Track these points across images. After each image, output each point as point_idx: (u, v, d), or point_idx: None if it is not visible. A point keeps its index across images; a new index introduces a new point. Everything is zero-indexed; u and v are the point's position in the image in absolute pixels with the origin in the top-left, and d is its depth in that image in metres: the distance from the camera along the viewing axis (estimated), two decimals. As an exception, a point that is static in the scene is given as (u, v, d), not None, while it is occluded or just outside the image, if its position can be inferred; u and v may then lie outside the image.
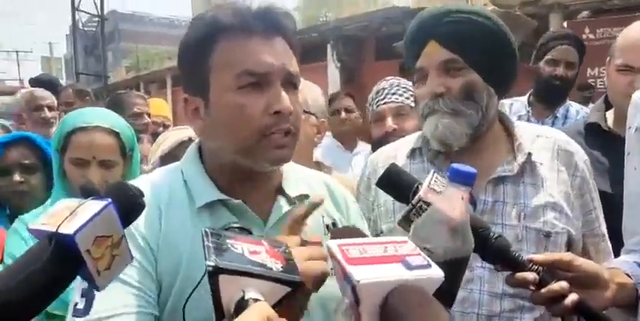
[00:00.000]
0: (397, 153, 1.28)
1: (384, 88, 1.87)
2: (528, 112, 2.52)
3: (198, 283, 0.67)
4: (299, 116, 0.93)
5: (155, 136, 2.59)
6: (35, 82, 4.21)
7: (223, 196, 0.93)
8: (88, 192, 0.68)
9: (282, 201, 0.97)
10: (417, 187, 0.89)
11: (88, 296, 0.85)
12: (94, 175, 1.48)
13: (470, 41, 1.12)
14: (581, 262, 0.93)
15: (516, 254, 0.89)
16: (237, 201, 0.92)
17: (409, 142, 1.28)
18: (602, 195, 1.24)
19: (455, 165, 0.75)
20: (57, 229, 0.62)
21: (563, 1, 6.21)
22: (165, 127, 3.30)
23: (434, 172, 0.90)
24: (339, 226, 1.04)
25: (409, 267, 0.59)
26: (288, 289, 0.64)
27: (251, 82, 0.88)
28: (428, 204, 0.84)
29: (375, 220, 1.25)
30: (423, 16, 1.17)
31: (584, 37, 5.52)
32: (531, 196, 1.13)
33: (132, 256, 0.71)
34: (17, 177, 1.64)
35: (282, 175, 1.00)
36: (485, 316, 1.08)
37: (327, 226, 1.02)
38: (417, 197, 0.85)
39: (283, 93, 0.88)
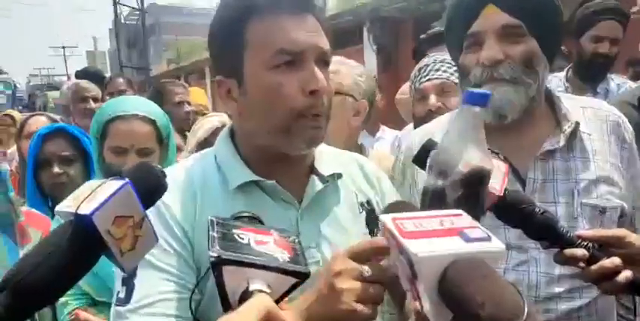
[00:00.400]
0: (434, 134, 1.21)
1: (426, 65, 1.76)
2: (567, 88, 2.40)
3: (206, 272, 0.66)
4: (331, 95, 0.93)
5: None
6: (81, 73, 4.37)
7: (256, 178, 0.94)
8: (110, 173, 0.68)
9: (315, 180, 0.98)
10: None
11: (129, 285, 0.87)
12: (133, 163, 1.52)
13: (531, 7, 1.05)
14: (634, 238, 0.88)
15: (564, 230, 0.85)
16: (270, 182, 0.93)
17: (448, 120, 1.23)
18: None
19: (470, 89, 0.73)
20: (76, 210, 0.62)
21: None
22: (204, 115, 3.37)
23: None
24: (373, 203, 1.03)
25: (468, 239, 0.57)
26: (295, 280, 0.62)
27: (286, 61, 0.88)
28: None
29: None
30: None
31: (635, 9, 5.20)
32: (583, 170, 1.08)
33: (157, 238, 0.70)
34: (56, 169, 1.69)
35: (314, 154, 1.01)
36: (542, 298, 1.05)
37: (362, 204, 1.02)
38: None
39: (317, 71, 0.88)
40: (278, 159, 0.94)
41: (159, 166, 0.74)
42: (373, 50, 8.15)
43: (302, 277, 0.62)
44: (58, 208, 0.66)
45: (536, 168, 1.09)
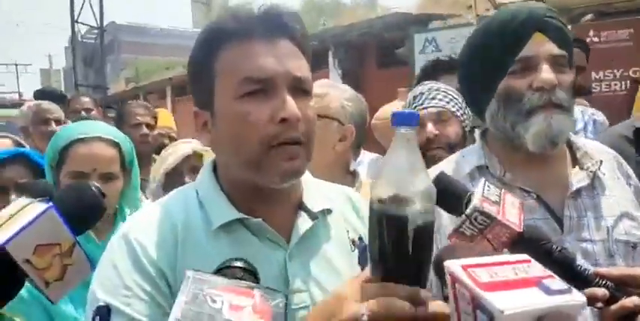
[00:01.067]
0: (460, 169, 1.18)
1: (422, 93, 1.75)
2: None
3: None
4: (311, 124, 0.86)
5: (161, 148, 2.52)
6: (41, 93, 4.16)
7: (241, 215, 0.85)
8: (38, 192, 0.62)
9: (304, 217, 0.91)
10: (470, 196, 0.81)
11: None
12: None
13: (570, 41, 1.10)
14: None
15: (582, 268, 0.82)
16: (255, 220, 0.86)
17: (469, 158, 1.19)
18: None
19: (395, 111, 0.67)
20: None
21: (568, 4, 6.14)
22: (171, 138, 3.24)
23: (485, 181, 0.83)
24: (366, 240, 0.94)
25: (549, 292, 0.54)
26: None
27: (254, 90, 0.83)
28: (484, 214, 0.76)
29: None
30: (524, 10, 1.10)
31: (588, 40, 5.45)
32: (608, 207, 1.08)
33: (91, 265, 0.64)
34: (13, 197, 1.55)
35: (302, 188, 0.95)
36: None
37: (353, 241, 0.96)
38: (471, 207, 0.77)
39: (289, 98, 0.82)
40: (259, 194, 0.88)
41: (95, 184, 0.66)
42: (338, 74, 8.22)
43: None
44: None
45: (570, 206, 1.08)
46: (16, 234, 0.57)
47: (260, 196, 0.88)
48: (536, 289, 0.54)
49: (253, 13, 0.85)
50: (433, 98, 1.72)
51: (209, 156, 1.91)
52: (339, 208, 0.98)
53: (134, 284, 0.77)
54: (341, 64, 8.18)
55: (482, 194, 0.79)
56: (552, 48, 1.07)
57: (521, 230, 0.79)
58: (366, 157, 2.84)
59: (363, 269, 0.91)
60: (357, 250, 0.96)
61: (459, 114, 1.73)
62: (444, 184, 0.85)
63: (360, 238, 0.97)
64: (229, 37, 0.84)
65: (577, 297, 0.54)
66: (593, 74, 5.72)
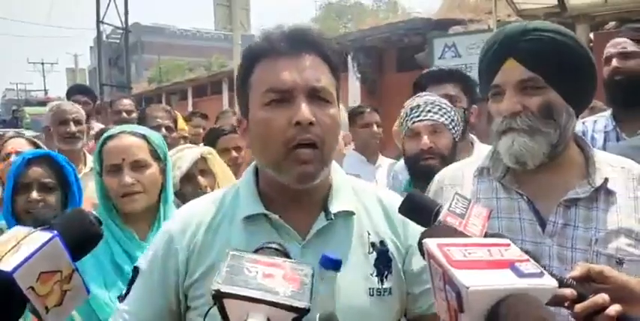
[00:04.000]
0: (464, 172, 1.29)
1: (418, 105, 1.88)
2: (615, 127, 2.14)
3: (212, 305, 0.66)
4: (328, 129, 0.95)
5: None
6: (75, 88, 4.40)
7: (264, 211, 0.98)
8: (39, 221, 0.65)
9: (322, 217, 1.00)
10: (438, 210, 0.87)
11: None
12: (128, 178, 1.49)
13: (550, 60, 1.10)
14: (615, 273, 0.90)
15: (546, 268, 0.84)
16: (274, 216, 0.98)
17: (476, 160, 1.29)
18: None
19: (325, 253, 0.76)
20: None
21: (590, 11, 6.09)
22: (185, 138, 3.41)
23: (455, 194, 0.89)
24: (389, 245, 1.02)
25: (520, 274, 0.55)
26: (294, 314, 0.63)
27: (275, 99, 0.94)
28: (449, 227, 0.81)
29: None
30: (501, 34, 1.16)
31: (611, 47, 5.39)
32: (604, 221, 1.11)
33: (88, 290, 0.68)
34: (35, 195, 1.62)
35: (328, 189, 1.03)
36: None
37: (373, 244, 1.01)
38: (437, 221, 0.84)
39: (304, 105, 0.93)
40: (286, 192, 0.99)
41: (93, 213, 0.69)
42: (357, 78, 8.24)
43: (301, 312, 0.62)
44: None
45: (558, 212, 1.13)
46: (23, 262, 0.58)
47: (287, 195, 0.99)
48: (508, 270, 0.55)
49: (281, 33, 0.98)
50: (429, 111, 1.86)
51: (213, 159, 1.97)
52: (366, 209, 1.05)
53: (151, 252, 1.03)
54: (360, 67, 8.21)
55: (448, 208, 0.85)
56: (520, 74, 1.11)
57: (483, 236, 0.82)
58: (384, 161, 3.06)
59: (379, 272, 1.00)
60: (375, 253, 1.01)
61: (450, 127, 1.87)
62: (415, 200, 0.93)
63: (382, 242, 1.02)
64: (261, 55, 0.98)
65: (547, 281, 0.55)
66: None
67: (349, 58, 8.39)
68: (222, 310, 0.62)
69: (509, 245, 0.61)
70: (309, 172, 0.94)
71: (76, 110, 3.02)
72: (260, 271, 0.64)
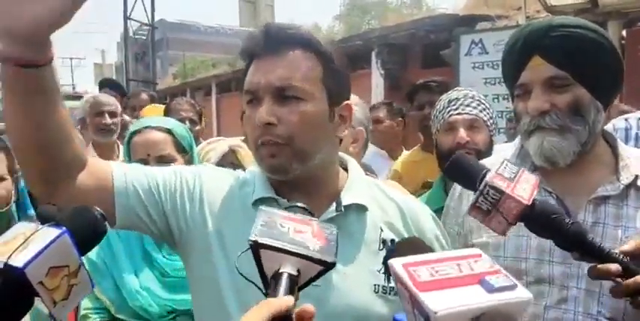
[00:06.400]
0: (491, 168, 1.25)
1: (457, 98, 1.83)
2: None
3: (242, 252, 0.72)
4: (296, 126, 0.98)
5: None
6: (106, 81, 4.50)
7: (273, 195, 1.03)
8: (45, 218, 0.66)
9: (332, 207, 1.02)
10: (485, 173, 0.86)
11: None
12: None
13: (577, 56, 1.08)
14: None
15: (594, 240, 0.85)
16: (283, 200, 1.02)
17: (503, 157, 1.25)
18: None
19: (396, 316, 0.75)
20: (7, 260, 0.59)
21: (622, 7, 5.91)
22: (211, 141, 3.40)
23: (505, 160, 0.89)
24: None
25: (490, 289, 0.51)
26: (321, 267, 0.67)
27: (249, 99, 1.02)
28: (494, 188, 0.81)
29: (466, 234, 1.22)
30: (526, 30, 1.14)
31: None
32: (634, 218, 1.08)
33: (93, 285, 0.70)
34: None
35: (345, 182, 1.07)
36: None
37: (384, 241, 1.02)
38: (483, 182, 0.83)
39: (262, 107, 0.98)
40: (284, 183, 1.04)
41: (98, 209, 0.70)
42: (381, 74, 8.18)
43: (328, 265, 0.68)
44: None
45: (588, 210, 1.11)
46: (34, 258, 0.60)
47: (286, 185, 1.04)
48: (478, 286, 0.52)
49: (260, 33, 1.01)
50: (467, 105, 1.81)
51: (244, 152, 1.98)
52: (382, 206, 1.07)
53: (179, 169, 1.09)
54: (384, 64, 8.14)
55: (496, 171, 0.84)
56: (548, 71, 1.09)
57: (529, 203, 0.82)
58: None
59: (387, 269, 0.99)
60: (384, 250, 1.02)
61: (489, 123, 1.82)
62: (461, 163, 0.92)
63: (392, 241, 1.02)
64: (248, 58, 1.04)
65: (520, 294, 0.52)
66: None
67: (373, 54, 8.33)
68: (258, 260, 0.67)
69: (479, 256, 0.58)
70: (276, 164, 0.99)
71: (112, 102, 3.08)
72: (292, 227, 0.69)
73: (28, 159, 0.87)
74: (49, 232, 0.63)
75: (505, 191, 0.82)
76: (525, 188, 0.83)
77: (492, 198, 0.81)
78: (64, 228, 0.64)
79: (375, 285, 0.99)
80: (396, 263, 0.57)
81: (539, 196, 1.13)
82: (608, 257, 0.84)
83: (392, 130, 3.16)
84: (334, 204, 1.02)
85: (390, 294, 0.99)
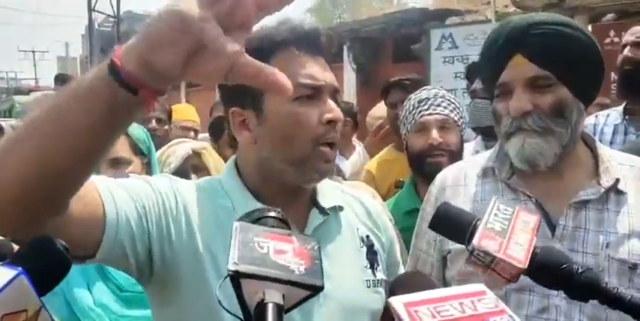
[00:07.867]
0: (467, 171, 1.23)
1: (427, 98, 1.79)
2: (624, 120, 2.13)
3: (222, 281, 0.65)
4: (340, 127, 1.00)
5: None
6: (62, 76, 4.38)
7: (262, 206, 0.91)
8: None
9: (315, 212, 1.01)
10: (476, 224, 0.78)
11: None
12: (109, 176, 1.43)
13: (561, 55, 1.04)
14: None
15: (608, 286, 0.77)
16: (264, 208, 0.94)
17: (480, 160, 1.23)
18: None
19: None
20: None
21: (588, 3, 6.03)
22: (196, 131, 3.31)
23: (495, 201, 0.80)
24: (372, 238, 1.05)
25: None
26: (308, 292, 0.62)
27: (306, 95, 0.95)
28: (483, 251, 0.73)
29: (442, 240, 1.18)
30: (506, 28, 1.09)
31: (608, 40, 5.34)
32: (615, 223, 1.05)
33: None
34: None
35: (315, 187, 1.04)
36: None
37: (362, 239, 1.04)
38: (471, 245, 0.75)
39: (333, 103, 0.96)
40: (284, 189, 0.99)
41: (59, 241, 0.62)
42: (352, 69, 8.16)
43: (316, 289, 0.63)
44: None
45: (569, 215, 1.08)
46: None
47: (282, 192, 0.99)
48: None
49: (304, 29, 0.98)
50: (438, 105, 1.76)
51: (207, 154, 1.91)
52: (350, 205, 1.07)
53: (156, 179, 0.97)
54: (355, 58, 8.12)
55: (485, 226, 0.76)
56: (530, 70, 1.05)
57: (525, 266, 0.74)
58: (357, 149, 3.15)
59: (371, 264, 1.02)
60: (365, 247, 1.03)
61: (459, 123, 1.79)
62: (448, 215, 0.84)
63: (368, 237, 1.05)
64: (281, 45, 0.96)
65: None
66: (613, 75, 5.60)
67: (345, 48, 8.30)
68: (238, 290, 0.62)
69: (484, 293, 0.56)
70: (331, 169, 0.98)
71: None
72: (271, 247, 0.64)
73: (31, 188, 0.68)
74: (2, 275, 0.55)
75: (496, 256, 0.73)
76: (521, 242, 0.75)
77: (484, 260, 0.74)
78: (20, 268, 0.55)
79: (366, 280, 1.01)
80: (397, 303, 0.55)
81: (514, 202, 1.05)
82: (633, 304, 0.74)
83: (345, 127, 3.11)
84: (314, 209, 1.01)
85: (377, 286, 1.01)
